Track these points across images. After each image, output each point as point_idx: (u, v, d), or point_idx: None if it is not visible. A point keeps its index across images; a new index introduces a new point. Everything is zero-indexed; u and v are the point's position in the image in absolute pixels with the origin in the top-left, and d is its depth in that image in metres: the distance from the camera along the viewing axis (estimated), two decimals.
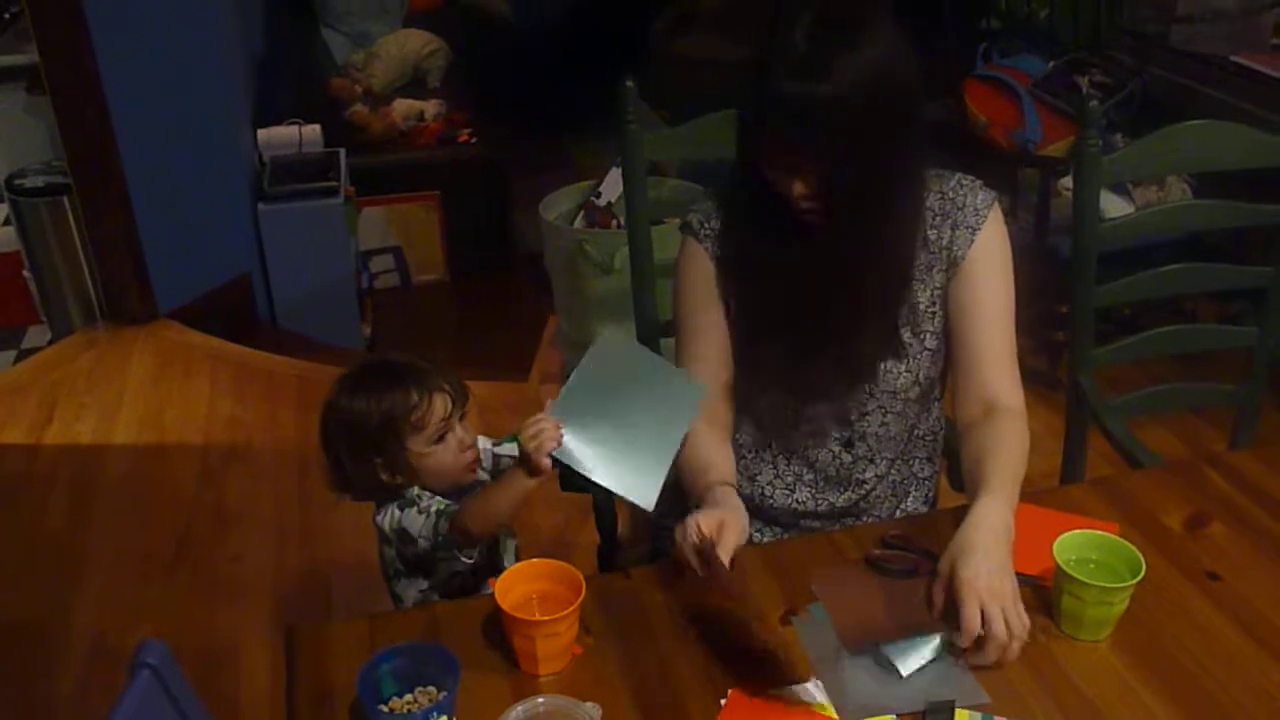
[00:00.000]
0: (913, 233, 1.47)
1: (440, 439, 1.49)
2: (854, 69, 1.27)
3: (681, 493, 1.71)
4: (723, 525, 1.31)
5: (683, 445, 1.40)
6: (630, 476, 1.34)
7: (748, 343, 1.53)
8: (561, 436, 1.33)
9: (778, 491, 1.61)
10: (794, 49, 1.29)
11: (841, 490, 1.60)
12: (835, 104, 1.27)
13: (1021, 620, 1.22)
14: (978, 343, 1.50)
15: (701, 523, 1.29)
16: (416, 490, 1.50)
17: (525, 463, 1.34)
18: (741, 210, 1.49)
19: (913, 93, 1.35)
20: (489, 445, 1.64)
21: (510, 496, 1.39)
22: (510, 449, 1.60)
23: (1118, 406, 1.99)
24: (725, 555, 1.28)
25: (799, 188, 1.36)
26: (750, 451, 1.61)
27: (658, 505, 1.65)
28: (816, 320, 1.47)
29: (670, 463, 1.36)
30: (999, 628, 1.21)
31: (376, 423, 1.47)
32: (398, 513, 1.50)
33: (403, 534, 1.49)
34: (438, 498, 1.50)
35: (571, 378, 1.39)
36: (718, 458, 1.48)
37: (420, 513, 1.48)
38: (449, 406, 1.50)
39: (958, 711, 1.17)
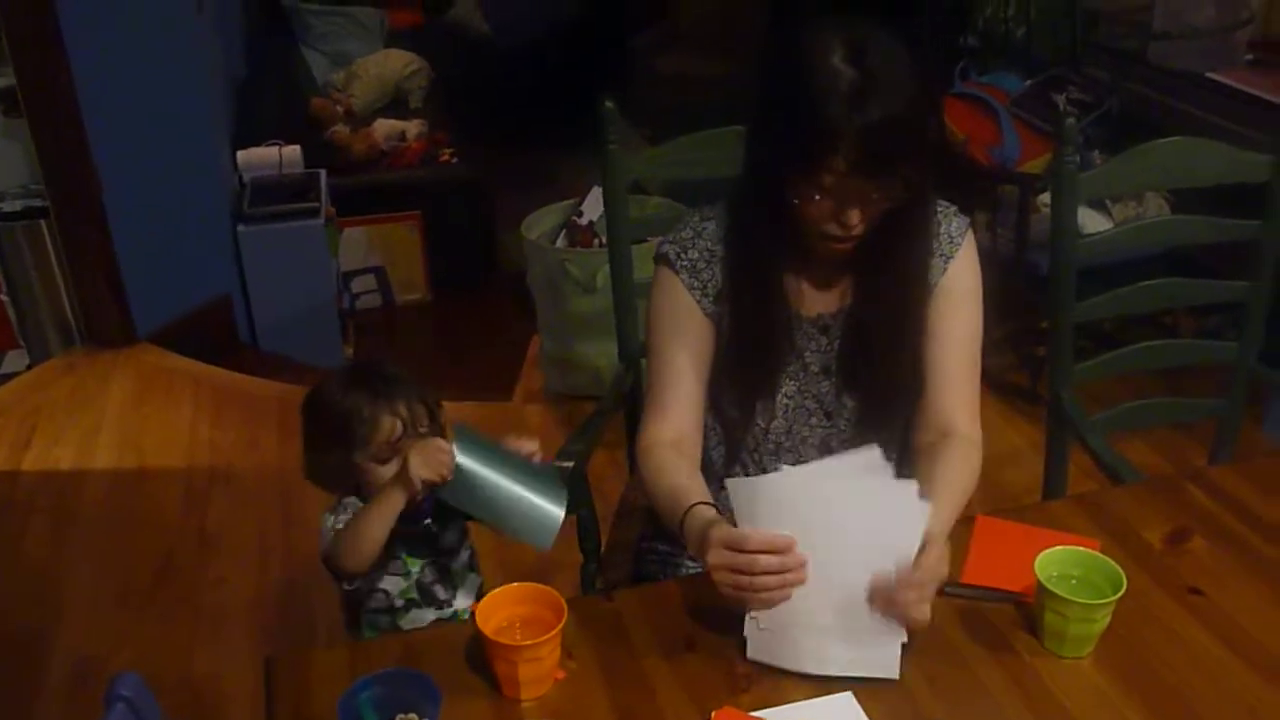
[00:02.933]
0: (927, 257, 1.48)
1: (386, 460, 1.48)
2: (907, 84, 1.29)
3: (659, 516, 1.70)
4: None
5: (653, 475, 1.45)
6: (518, 520, 1.41)
7: (738, 364, 1.52)
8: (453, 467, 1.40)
9: None
10: (843, 76, 1.28)
11: None
12: (904, 122, 1.29)
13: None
14: (939, 369, 1.50)
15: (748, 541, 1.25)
16: (354, 501, 1.51)
17: (405, 481, 1.40)
18: (757, 237, 1.46)
19: (933, 101, 1.38)
20: None
21: (383, 514, 1.43)
22: None
23: (1099, 422, 2.00)
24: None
25: (854, 216, 1.35)
26: (719, 478, 1.60)
27: (639, 526, 1.64)
28: (860, 341, 1.49)
29: (562, 515, 1.41)
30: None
31: (335, 419, 1.48)
32: (332, 517, 1.50)
33: (324, 540, 1.50)
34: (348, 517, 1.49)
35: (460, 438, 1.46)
36: (692, 483, 1.45)
37: (336, 524, 1.49)
38: (396, 431, 1.48)
39: None
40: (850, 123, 1.27)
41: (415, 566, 1.55)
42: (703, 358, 1.53)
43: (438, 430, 1.53)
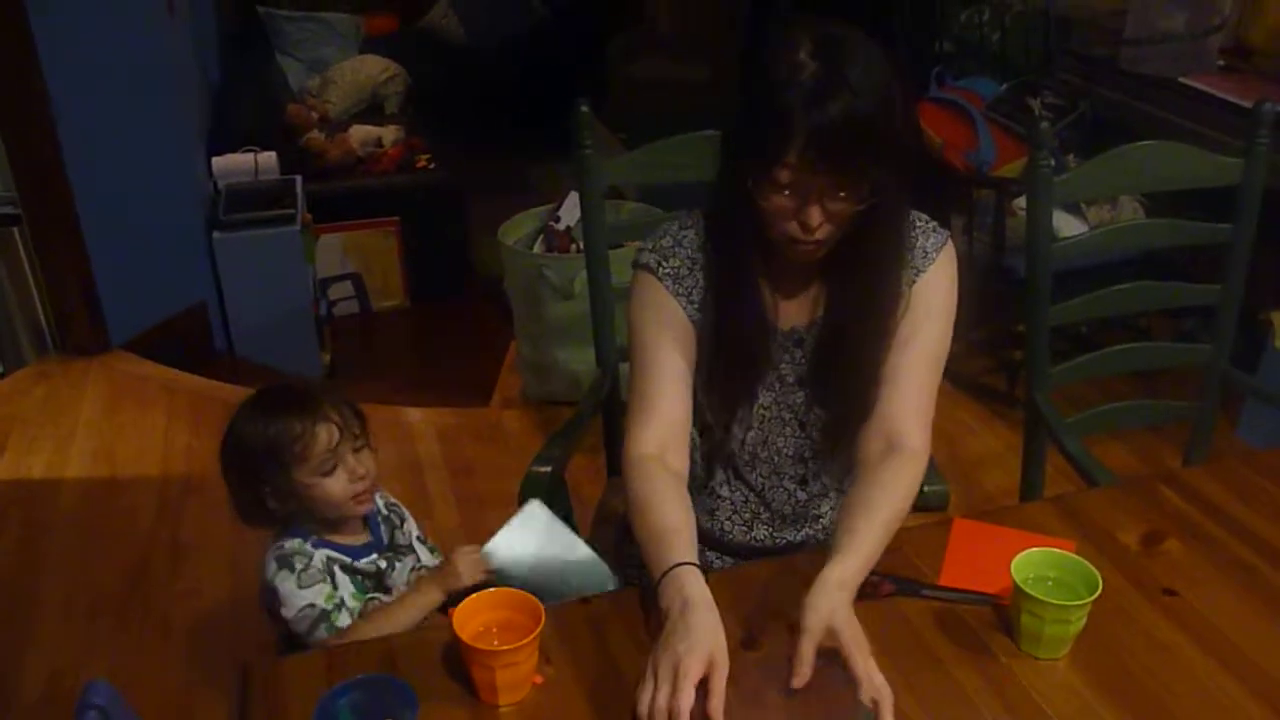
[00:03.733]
0: (900, 267, 1.45)
1: (330, 471, 1.48)
2: (871, 83, 1.26)
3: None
4: (711, 671, 1.17)
5: (641, 501, 1.39)
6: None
7: (719, 374, 1.50)
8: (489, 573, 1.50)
9: (736, 528, 1.60)
10: (805, 71, 1.26)
11: (799, 527, 1.60)
12: (864, 120, 1.25)
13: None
14: (895, 375, 1.45)
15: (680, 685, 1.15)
16: (298, 547, 1.50)
17: (445, 578, 1.48)
18: (733, 242, 1.44)
19: (907, 102, 1.35)
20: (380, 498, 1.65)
21: (420, 607, 1.49)
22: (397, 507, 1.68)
23: (1075, 424, 2.01)
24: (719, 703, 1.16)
25: (815, 215, 1.32)
26: (708, 491, 1.60)
27: (616, 532, 1.64)
28: (832, 353, 1.47)
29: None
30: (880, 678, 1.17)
31: (261, 449, 1.47)
32: (276, 568, 1.49)
33: (274, 596, 1.49)
34: (323, 588, 1.49)
35: (499, 534, 1.53)
36: (678, 518, 1.36)
37: (301, 587, 1.48)
38: (334, 438, 1.48)
39: None
40: (806, 116, 1.25)
41: (357, 603, 1.54)
42: (690, 361, 1.50)
43: (366, 433, 1.54)
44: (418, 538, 1.66)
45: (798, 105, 1.25)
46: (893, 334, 1.46)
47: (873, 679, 1.15)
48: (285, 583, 1.48)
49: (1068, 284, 1.96)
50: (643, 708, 1.16)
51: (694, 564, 1.29)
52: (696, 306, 1.49)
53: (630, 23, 5.74)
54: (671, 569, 1.28)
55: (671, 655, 1.17)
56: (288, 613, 1.48)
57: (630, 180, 2.00)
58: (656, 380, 1.47)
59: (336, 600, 1.50)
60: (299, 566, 1.49)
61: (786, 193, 1.31)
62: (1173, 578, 1.40)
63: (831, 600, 1.21)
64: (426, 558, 1.65)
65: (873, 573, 1.38)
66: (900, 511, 1.37)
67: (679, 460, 1.46)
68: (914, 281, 1.46)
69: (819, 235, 1.34)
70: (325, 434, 1.48)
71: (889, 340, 1.46)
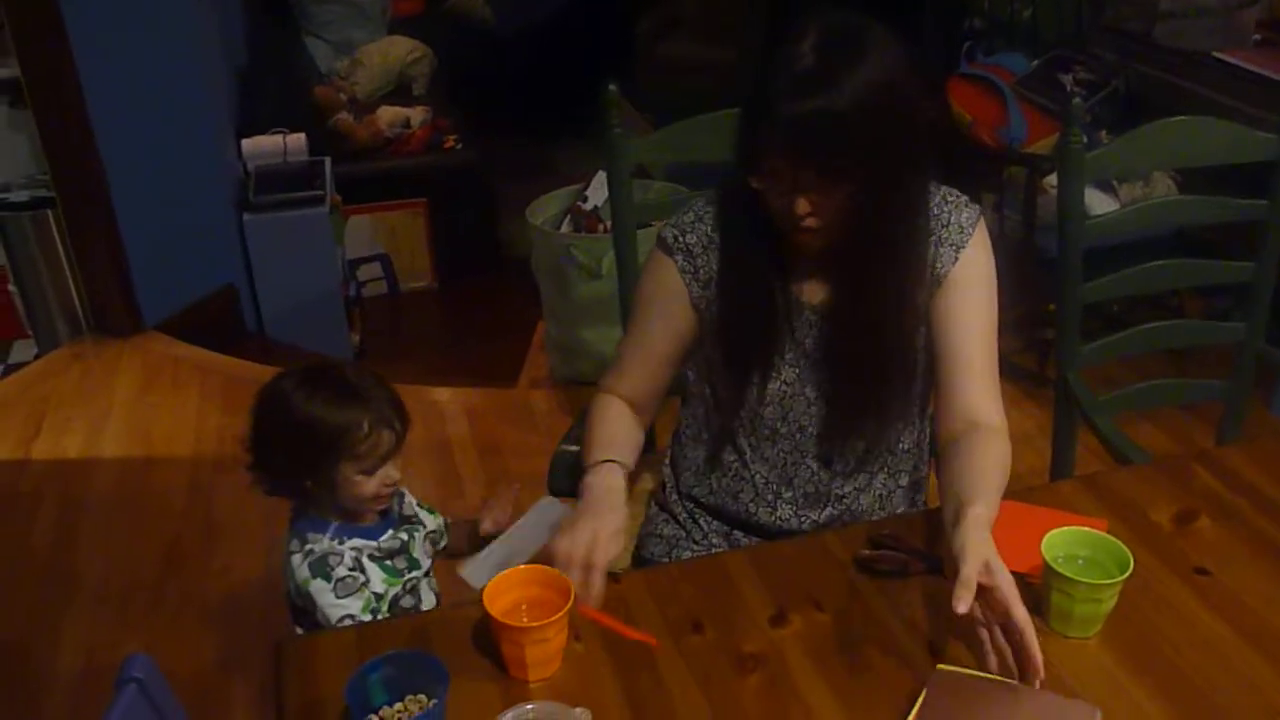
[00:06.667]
0: (921, 248, 1.46)
1: (370, 471, 1.49)
2: (862, 82, 1.27)
3: (664, 499, 1.71)
4: (594, 544, 1.33)
5: (598, 412, 1.56)
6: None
7: (730, 346, 1.52)
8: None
9: (760, 509, 1.60)
10: (799, 62, 1.28)
11: (822, 507, 1.59)
12: (842, 118, 1.26)
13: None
14: (959, 360, 1.47)
15: (573, 550, 1.32)
16: (327, 546, 1.51)
17: None
18: (736, 222, 1.47)
19: (915, 104, 1.35)
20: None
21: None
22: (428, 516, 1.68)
23: (1106, 403, 1.99)
24: (599, 576, 1.32)
25: (801, 205, 1.34)
26: (730, 471, 1.61)
27: (645, 515, 1.66)
28: (845, 332, 1.48)
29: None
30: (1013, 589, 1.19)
31: (324, 434, 1.46)
32: (310, 575, 1.50)
33: (308, 601, 1.50)
34: (360, 597, 1.50)
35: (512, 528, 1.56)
36: (624, 435, 1.55)
37: (340, 597, 1.49)
38: (391, 445, 1.50)
39: None
40: (785, 107, 1.27)
41: (391, 589, 1.55)
42: (678, 340, 1.55)
43: (405, 434, 1.54)
44: (417, 504, 1.68)
45: (783, 95, 1.27)
46: (914, 312, 1.47)
47: (1018, 607, 1.17)
48: (323, 594, 1.49)
49: (1099, 262, 1.95)
50: (561, 556, 1.32)
51: (619, 462, 1.48)
52: (702, 285, 1.51)
53: (658, 3, 5.72)
54: (599, 463, 1.47)
55: (587, 526, 1.35)
56: (325, 621, 1.49)
57: (658, 160, 1.99)
58: (637, 346, 1.60)
59: (373, 606, 1.51)
60: (335, 574, 1.49)
61: (777, 185, 1.34)
62: (1205, 557, 1.39)
63: (983, 535, 1.24)
64: (431, 522, 1.66)
65: (903, 550, 1.38)
66: (1001, 474, 1.38)
67: (643, 414, 1.62)
68: (955, 259, 1.47)
69: (808, 224, 1.36)
70: (386, 440, 1.49)
71: (917, 321, 1.47)
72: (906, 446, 1.61)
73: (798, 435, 1.56)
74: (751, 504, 1.60)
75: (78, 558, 2.70)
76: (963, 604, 1.16)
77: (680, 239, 1.52)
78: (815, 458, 1.57)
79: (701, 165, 1.81)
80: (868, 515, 1.61)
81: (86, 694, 2.29)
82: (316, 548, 1.51)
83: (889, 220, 1.40)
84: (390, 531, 1.58)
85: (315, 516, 1.54)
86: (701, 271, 1.51)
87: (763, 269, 1.47)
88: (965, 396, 1.47)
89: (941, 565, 1.37)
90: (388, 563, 1.56)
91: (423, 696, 1.18)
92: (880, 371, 1.49)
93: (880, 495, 1.61)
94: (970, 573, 1.17)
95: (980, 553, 1.20)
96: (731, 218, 1.49)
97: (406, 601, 1.57)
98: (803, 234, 1.39)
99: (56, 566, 2.67)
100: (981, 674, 1.19)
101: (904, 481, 1.63)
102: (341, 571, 1.50)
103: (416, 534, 1.62)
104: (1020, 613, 1.16)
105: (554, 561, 1.32)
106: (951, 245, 1.47)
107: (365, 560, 1.53)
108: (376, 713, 1.17)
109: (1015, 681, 1.18)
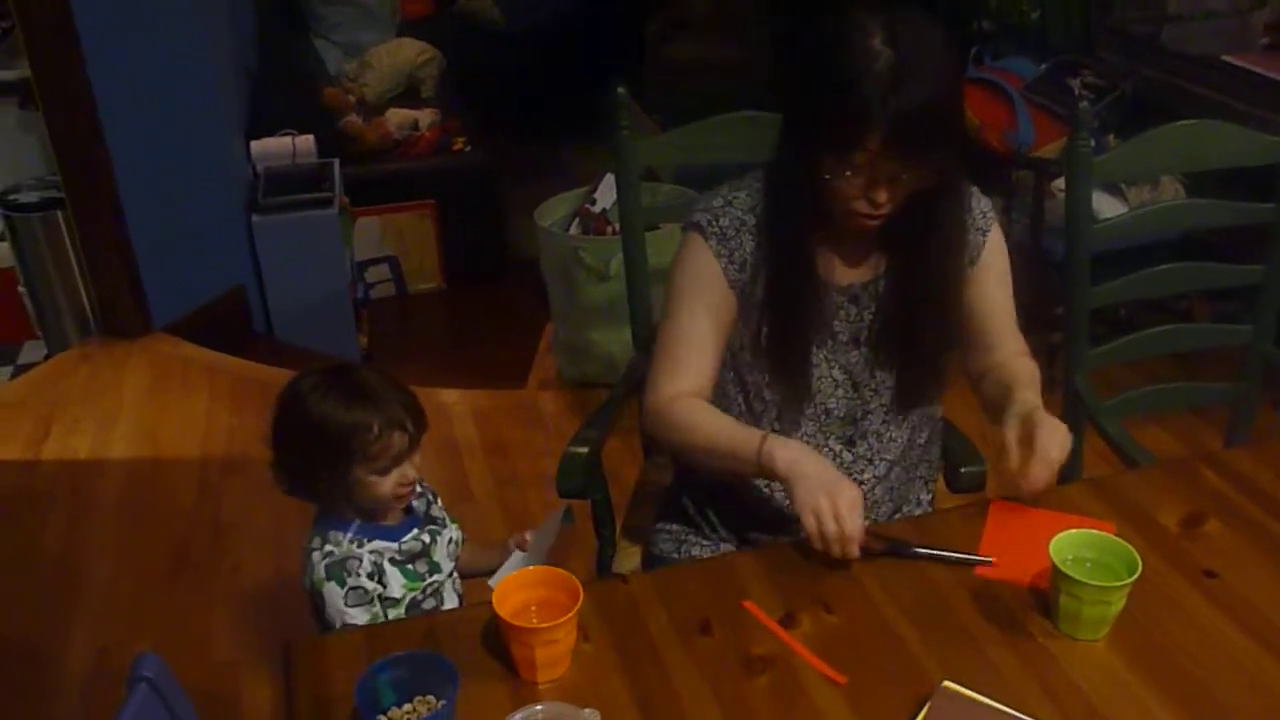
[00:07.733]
0: (966, 227, 1.54)
1: (385, 472, 1.49)
2: (948, 72, 1.34)
3: (674, 495, 1.71)
4: (851, 506, 1.35)
5: (691, 416, 1.52)
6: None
7: (769, 331, 1.53)
8: None
9: (777, 493, 1.60)
10: (880, 59, 1.29)
11: None
12: (941, 110, 1.32)
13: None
14: (992, 334, 1.58)
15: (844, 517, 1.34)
16: (346, 549, 1.51)
17: None
18: (792, 209, 1.48)
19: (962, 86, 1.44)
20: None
21: None
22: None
23: (1113, 406, 1.99)
24: (855, 547, 1.36)
25: (883, 194, 1.37)
26: None
27: (655, 512, 1.65)
28: (897, 322, 1.53)
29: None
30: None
31: (335, 434, 1.47)
32: (324, 576, 1.50)
33: (318, 596, 1.51)
34: (368, 610, 1.50)
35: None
36: (733, 421, 1.52)
37: (348, 605, 1.49)
38: (404, 446, 1.50)
39: None
40: (886, 106, 1.29)
41: (410, 592, 1.55)
42: (722, 326, 1.55)
43: (421, 435, 1.55)
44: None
45: (876, 94, 1.29)
46: (957, 297, 1.54)
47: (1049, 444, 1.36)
48: (334, 598, 1.49)
49: (1107, 265, 1.95)
50: (818, 543, 1.34)
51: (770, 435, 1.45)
52: (739, 268, 1.52)
53: (666, 4, 5.72)
54: (764, 441, 1.42)
55: (818, 498, 1.34)
56: (329, 623, 1.50)
57: (666, 162, 2.00)
58: (687, 339, 1.55)
59: (380, 620, 1.51)
60: (350, 581, 1.49)
61: (860, 176, 1.36)
62: (1213, 559, 1.40)
63: (1030, 400, 1.43)
64: (453, 531, 1.66)
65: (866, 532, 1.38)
66: (1038, 388, 1.51)
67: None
68: (984, 244, 1.55)
69: (883, 211, 1.39)
70: (399, 441, 1.49)
71: (952, 304, 1.54)
72: (922, 440, 1.64)
73: (823, 418, 1.57)
74: (767, 488, 1.60)
75: (87, 558, 2.71)
76: (1012, 457, 1.38)
77: (714, 223, 1.53)
78: (840, 439, 1.57)
79: (711, 167, 1.82)
80: (880, 507, 1.62)
81: (97, 694, 2.30)
82: (337, 550, 1.52)
83: (954, 200, 1.47)
84: (414, 531, 1.58)
85: (337, 515, 1.54)
86: (736, 254, 1.52)
87: (806, 256, 1.50)
88: (1002, 355, 1.58)
89: (905, 546, 1.41)
90: (409, 567, 1.55)
91: (431, 697, 1.19)
92: (945, 341, 1.56)
93: (894, 488, 1.62)
94: (1010, 431, 1.39)
95: (1020, 410, 1.41)
96: (777, 208, 1.50)
97: (428, 605, 1.58)
98: (866, 219, 1.41)
99: (66, 567, 2.68)
100: (984, 700, 1.19)
101: (921, 472, 1.66)
102: (356, 580, 1.50)
103: (440, 536, 1.61)
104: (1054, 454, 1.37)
105: (812, 545, 1.36)
106: (978, 230, 1.55)
107: (385, 564, 1.53)
108: (385, 713, 1.18)
109: (1017, 713, 1.17)
